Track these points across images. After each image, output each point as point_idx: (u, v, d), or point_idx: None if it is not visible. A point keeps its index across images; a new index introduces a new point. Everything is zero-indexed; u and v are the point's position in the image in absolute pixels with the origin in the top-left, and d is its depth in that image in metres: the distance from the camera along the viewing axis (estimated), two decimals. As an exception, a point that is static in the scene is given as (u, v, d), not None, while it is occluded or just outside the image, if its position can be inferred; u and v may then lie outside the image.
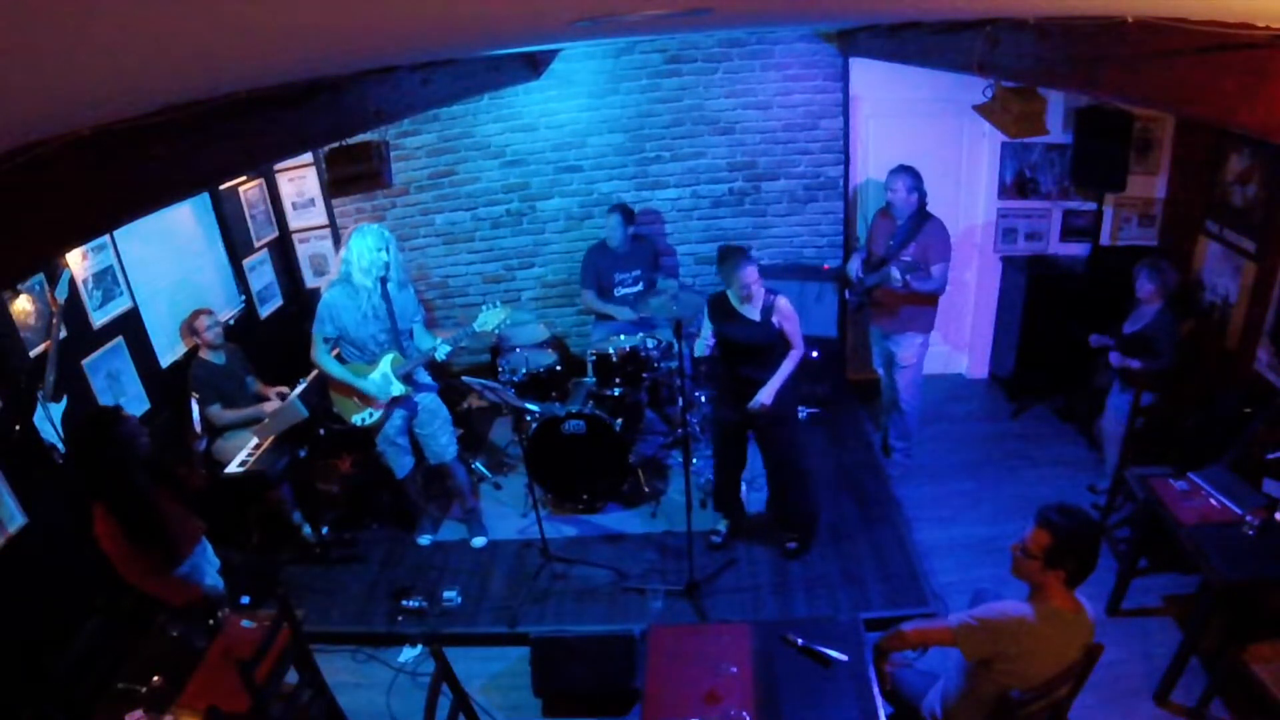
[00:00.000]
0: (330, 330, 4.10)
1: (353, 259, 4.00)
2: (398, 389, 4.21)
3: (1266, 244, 4.30)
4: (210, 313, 4.54)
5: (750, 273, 3.88)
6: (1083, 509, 2.48)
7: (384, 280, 4.08)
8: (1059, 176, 5.57)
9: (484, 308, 4.26)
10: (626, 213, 5.37)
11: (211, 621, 3.26)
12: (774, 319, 3.94)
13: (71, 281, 3.80)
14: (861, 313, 5.13)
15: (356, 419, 4.30)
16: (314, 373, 4.42)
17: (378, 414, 4.28)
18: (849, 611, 3.87)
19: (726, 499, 4.53)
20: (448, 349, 4.17)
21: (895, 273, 4.44)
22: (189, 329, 4.50)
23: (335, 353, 4.24)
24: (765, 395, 3.96)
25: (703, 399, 5.60)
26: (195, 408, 3.73)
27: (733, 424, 4.20)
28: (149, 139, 1.87)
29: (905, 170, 4.59)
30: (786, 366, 4.00)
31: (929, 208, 4.63)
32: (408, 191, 5.93)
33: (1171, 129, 5.17)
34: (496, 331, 4.30)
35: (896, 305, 4.73)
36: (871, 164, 5.78)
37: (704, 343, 4.25)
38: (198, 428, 3.69)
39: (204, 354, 4.49)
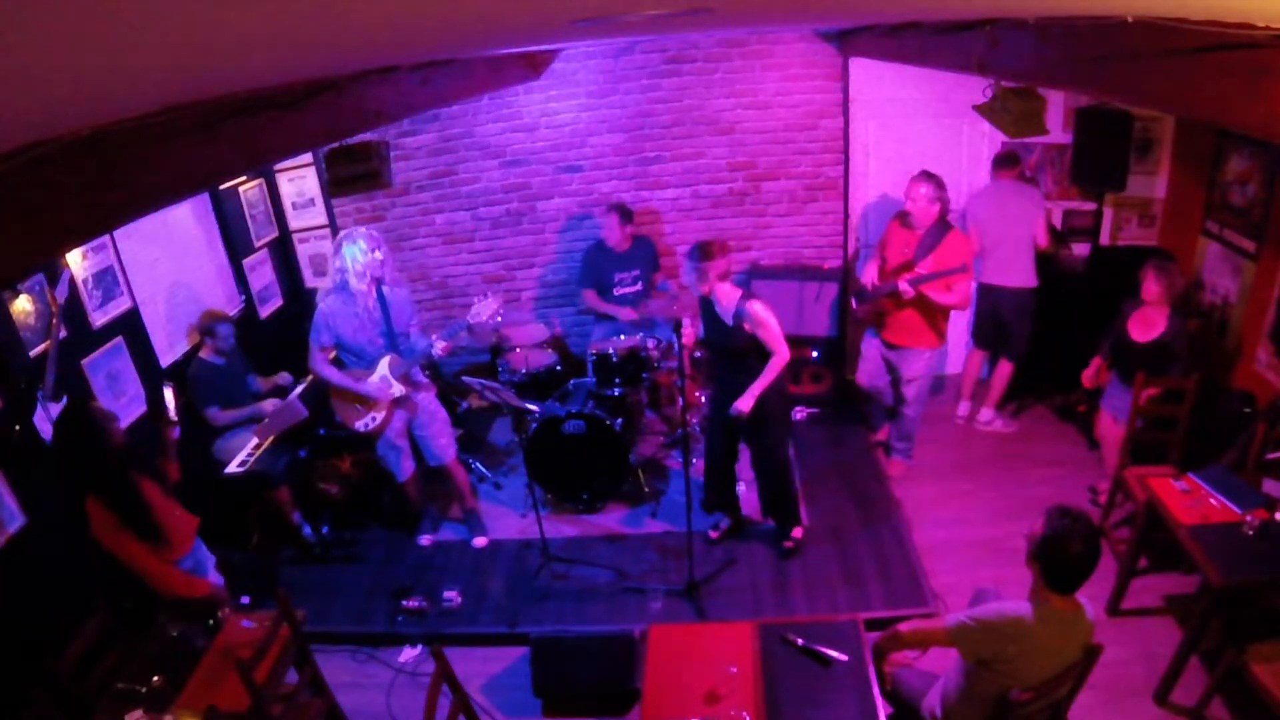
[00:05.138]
0: (327, 339, 4.14)
1: (347, 265, 4.04)
2: (397, 390, 4.23)
3: (1266, 244, 4.30)
4: (228, 319, 4.53)
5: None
6: (1085, 519, 2.42)
7: (379, 281, 4.10)
8: (1059, 176, 5.57)
9: (477, 299, 4.27)
10: (624, 212, 5.35)
11: (211, 621, 3.26)
12: (745, 325, 3.82)
13: (71, 281, 3.80)
14: (869, 320, 5.00)
15: (359, 425, 4.31)
16: (313, 373, 4.42)
17: (380, 418, 4.29)
18: (849, 611, 3.88)
19: (715, 497, 4.51)
20: (444, 343, 4.19)
21: (904, 287, 4.33)
22: (202, 331, 4.47)
23: (332, 357, 4.25)
24: (743, 403, 3.92)
25: (703, 399, 5.60)
26: (169, 395, 3.71)
27: (719, 420, 4.20)
28: (149, 139, 1.87)
29: (927, 178, 4.36)
30: (765, 374, 3.89)
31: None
32: (408, 191, 5.93)
33: (1171, 129, 5.17)
34: (493, 322, 4.30)
35: (906, 319, 4.55)
36: (871, 164, 5.78)
37: (693, 330, 4.25)
38: (172, 415, 3.68)
39: (205, 355, 4.48)
